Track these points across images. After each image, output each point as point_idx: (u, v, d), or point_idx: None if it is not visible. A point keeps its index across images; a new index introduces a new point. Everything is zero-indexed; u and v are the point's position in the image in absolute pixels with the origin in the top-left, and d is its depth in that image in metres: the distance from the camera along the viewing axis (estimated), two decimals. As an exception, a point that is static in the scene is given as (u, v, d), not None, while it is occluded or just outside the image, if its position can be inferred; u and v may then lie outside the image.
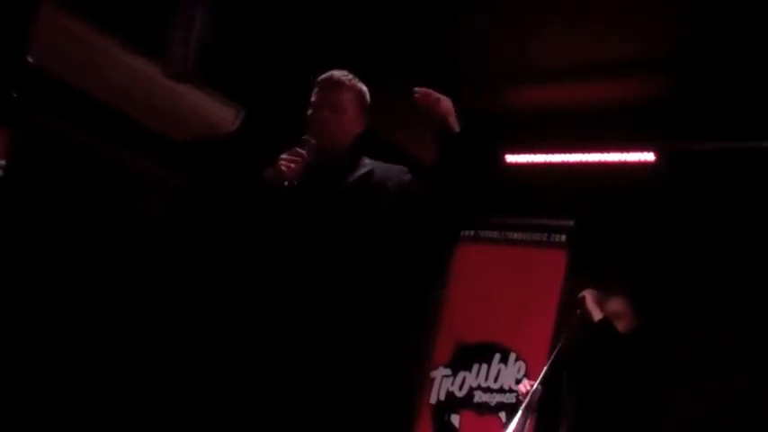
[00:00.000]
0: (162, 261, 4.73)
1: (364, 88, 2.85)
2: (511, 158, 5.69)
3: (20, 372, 4.11)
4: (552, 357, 4.06)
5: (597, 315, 4.20)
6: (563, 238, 5.46)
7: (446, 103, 2.63)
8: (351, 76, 2.81)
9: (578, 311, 4.32)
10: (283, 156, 2.67)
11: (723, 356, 4.59)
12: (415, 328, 5.25)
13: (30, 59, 4.02)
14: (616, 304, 4.28)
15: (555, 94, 5.10)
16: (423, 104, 2.60)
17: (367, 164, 2.79)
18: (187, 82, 4.50)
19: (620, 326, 4.20)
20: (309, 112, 2.79)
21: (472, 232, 5.84)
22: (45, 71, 4.20)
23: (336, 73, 2.81)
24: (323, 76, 2.82)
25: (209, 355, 4.24)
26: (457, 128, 2.61)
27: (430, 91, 2.60)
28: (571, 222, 5.44)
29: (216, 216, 4.69)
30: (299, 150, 2.69)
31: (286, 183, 2.61)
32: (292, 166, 2.63)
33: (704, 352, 4.66)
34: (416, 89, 2.60)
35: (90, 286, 4.51)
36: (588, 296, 4.28)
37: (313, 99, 2.80)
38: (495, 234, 5.76)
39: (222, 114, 4.77)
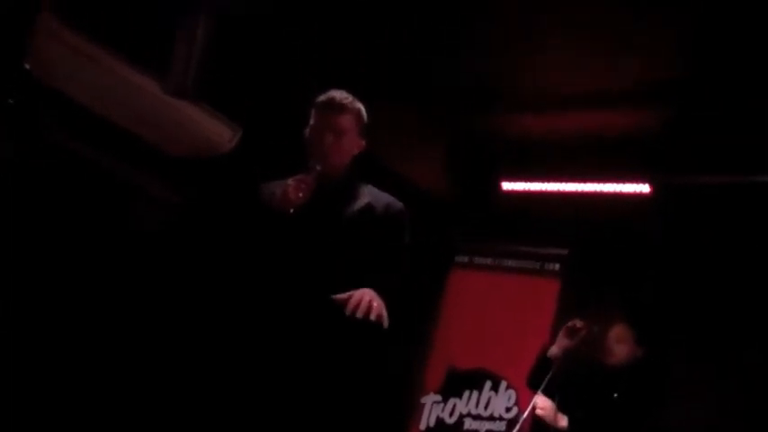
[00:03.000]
0: (151, 276, 4.71)
1: (363, 108, 2.86)
2: (507, 186, 5.69)
3: (14, 378, 4.12)
4: (542, 387, 3.92)
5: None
6: (557, 266, 5.48)
7: (378, 309, 2.50)
8: (351, 98, 2.81)
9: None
10: (291, 182, 2.67)
11: (721, 390, 4.58)
12: (402, 351, 5.19)
13: (27, 67, 3.99)
14: (616, 331, 4.12)
15: (553, 122, 5.12)
16: (351, 313, 2.48)
17: (366, 194, 2.79)
18: (186, 99, 4.48)
19: (621, 350, 4.07)
20: (307, 133, 2.80)
21: (466, 258, 5.87)
22: (43, 82, 4.18)
23: (337, 95, 2.81)
24: (322, 98, 2.82)
25: (194, 373, 4.14)
26: (386, 324, 2.50)
27: (359, 299, 2.48)
28: (565, 251, 5.46)
29: (209, 234, 4.69)
30: (306, 177, 2.69)
31: (291, 210, 2.61)
32: (300, 193, 2.63)
33: (701, 384, 4.64)
34: (343, 302, 2.48)
35: (79, 298, 4.48)
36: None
37: (312, 122, 2.80)
38: (488, 261, 5.77)
39: (220, 132, 4.75)
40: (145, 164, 4.76)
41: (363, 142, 2.86)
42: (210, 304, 4.21)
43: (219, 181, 4.83)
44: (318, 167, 2.71)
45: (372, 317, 2.44)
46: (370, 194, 2.80)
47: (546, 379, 3.88)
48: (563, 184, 5.44)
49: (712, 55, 4.12)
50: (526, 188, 5.62)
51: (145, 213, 4.91)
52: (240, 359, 2.64)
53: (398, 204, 2.82)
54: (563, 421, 3.90)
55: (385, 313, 2.49)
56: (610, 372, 3.99)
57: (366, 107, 2.86)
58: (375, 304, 2.46)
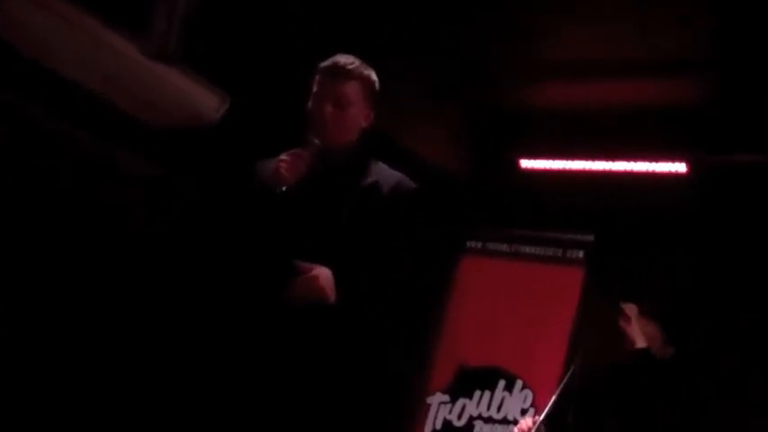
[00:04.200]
0: (130, 258, 4.76)
1: (373, 75, 2.82)
2: (526, 164, 5.70)
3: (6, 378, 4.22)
4: (561, 387, 3.90)
5: (641, 341, 4.00)
6: (580, 254, 5.44)
7: (323, 280, 2.57)
8: (358, 63, 2.78)
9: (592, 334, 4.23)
10: (283, 156, 2.66)
11: (761, 392, 4.59)
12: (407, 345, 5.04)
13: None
14: (647, 328, 4.10)
15: (577, 93, 5.15)
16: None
17: (373, 172, 2.77)
18: (168, 62, 4.48)
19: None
20: (310, 104, 2.77)
21: (480, 244, 5.84)
22: (10, 45, 4.18)
23: (341, 59, 2.78)
24: (325, 63, 2.79)
25: (188, 374, 4.40)
26: (332, 298, 2.56)
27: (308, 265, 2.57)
28: (590, 237, 5.41)
29: (195, 213, 4.77)
30: (302, 152, 2.67)
31: (284, 188, 2.60)
32: (292, 169, 2.62)
33: (739, 384, 4.64)
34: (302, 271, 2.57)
35: (55, 280, 4.53)
36: (632, 315, 4.03)
37: (314, 90, 2.77)
38: (504, 247, 5.75)
39: (206, 101, 4.72)
40: (121, 136, 4.75)
41: (372, 114, 2.82)
42: (197, 297, 4.41)
43: (205, 156, 4.86)
44: (317, 142, 2.69)
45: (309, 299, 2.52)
46: (378, 173, 2.77)
47: (562, 383, 3.88)
48: (589, 162, 5.44)
49: (762, 18, 4.07)
50: (547, 166, 5.63)
51: (120, 192, 4.94)
52: (230, 357, 2.69)
53: (409, 183, 2.79)
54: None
55: (329, 292, 2.53)
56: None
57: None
58: (316, 286, 2.52)
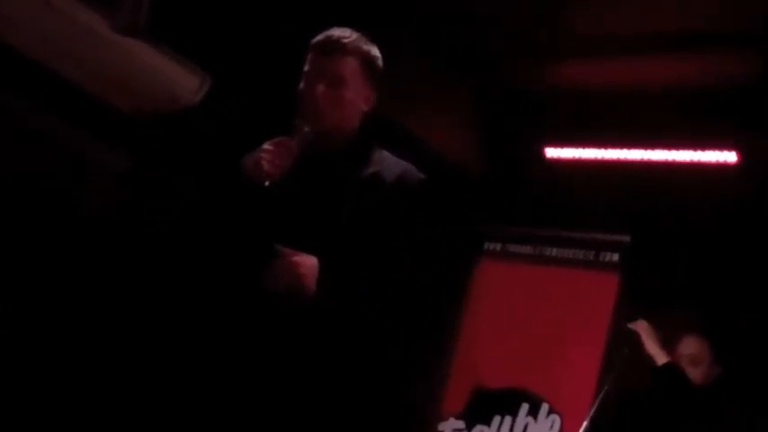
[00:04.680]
0: (97, 260, 4.77)
1: (374, 50, 2.78)
2: (551, 153, 5.65)
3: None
4: (593, 412, 3.97)
5: (661, 357, 4.11)
6: (615, 257, 5.39)
7: (304, 267, 2.58)
8: (355, 36, 2.74)
9: (626, 351, 4.26)
10: (265, 146, 2.62)
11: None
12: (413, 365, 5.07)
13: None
14: (690, 345, 4.22)
15: (610, 72, 5.13)
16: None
17: (375, 161, 2.75)
18: (140, 38, 4.51)
19: (694, 375, 4.13)
20: (301, 85, 2.74)
21: (498, 246, 5.82)
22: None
23: (335, 32, 2.74)
24: (318, 37, 2.75)
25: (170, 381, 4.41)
26: (312, 288, 2.56)
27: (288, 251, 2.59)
28: (626, 238, 5.35)
29: (170, 212, 4.80)
30: (287, 141, 2.63)
31: (267, 182, 2.56)
32: (276, 161, 2.58)
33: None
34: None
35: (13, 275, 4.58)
36: (643, 331, 4.20)
37: (306, 68, 2.74)
38: (527, 249, 5.72)
39: (183, 81, 4.72)
40: (88, 122, 4.75)
41: (373, 96, 2.78)
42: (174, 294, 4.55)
43: (184, 146, 4.86)
44: (306, 128, 2.64)
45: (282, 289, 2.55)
46: (380, 162, 2.75)
47: (594, 407, 3.96)
48: (624, 150, 5.39)
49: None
50: (576, 156, 5.57)
51: (89, 186, 4.92)
52: (214, 363, 2.70)
53: (416, 175, 2.75)
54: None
55: (308, 281, 2.54)
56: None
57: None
58: (296, 272, 2.53)
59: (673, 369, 4.09)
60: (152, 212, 4.95)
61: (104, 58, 4.52)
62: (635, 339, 4.22)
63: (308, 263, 2.54)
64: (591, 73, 5.18)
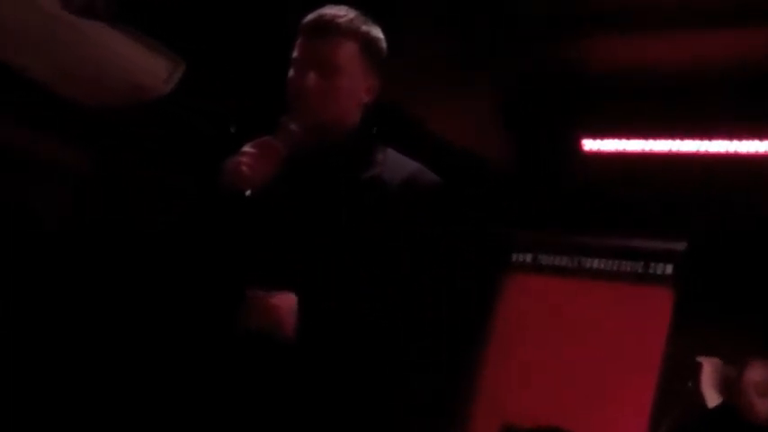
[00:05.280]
0: (54, 271, 4.81)
1: (374, 31, 2.68)
2: (590, 145, 5.61)
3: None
4: None
5: (712, 398, 4.16)
6: (669, 269, 5.35)
7: (283, 311, 2.53)
8: (352, 15, 2.67)
9: (690, 384, 4.31)
10: (246, 149, 2.55)
11: None
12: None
13: None
14: (757, 372, 4.16)
15: (660, 48, 5.01)
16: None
17: (379, 162, 2.69)
18: (99, 19, 4.49)
19: (763, 407, 4.09)
20: (290, 74, 2.66)
21: (529, 257, 5.79)
22: None
23: (328, 11, 2.66)
24: (309, 17, 2.67)
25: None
26: (292, 334, 2.52)
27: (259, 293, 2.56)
28: (682, 246, 5.33)
29: (136, 221, 4.88)
30: (273, 141, 2.54)
31: (247, 192, 2.50)
32: (258, 166, 2.52)
33: None
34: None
35: None
36: (707, 366, 4.26)
37: (295, 54, 2.67)
38: (564, 261, 5.69)
39: (151, 69, 4.73)
40: (39, 118, 4.77)
41: (375, 84, 2.68)
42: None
43: (151, 141, 4.88)
44: (293, 126, 2.55)
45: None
46: (384, 163, 2.67)
47: None
48: (676, 141, 5.34)
49: None
50: (619, 148, 5.53)
51: (45, 191, 4.96)
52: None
53: (427, 177, 2.64)
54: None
55: (287, 326, 2.51)
56: None
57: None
58: (274, 317, 2.50)
59: (733, 410, 4.07)
60: (115, 225, 4.96)
61: (56, 42, 4.52)
62: (699, 372, 4.28)
63: (286, 305, 2.48)
64: (637, 49, 5.06)
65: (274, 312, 2.48)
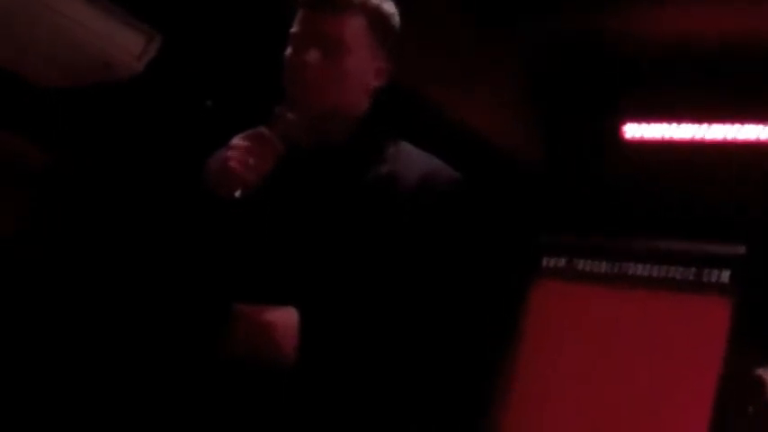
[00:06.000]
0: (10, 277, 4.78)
1: (386, 5, 2.63)
2: (633, 132, 5.55)
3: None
4: None
5: None
6: (725, 276, 5.22)
7: (280, 330, 2.44)
8: None
9: (750, 408, 4.29)
10: (235, 141, 2.50)
11: None
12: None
13: None
14: None
15: (715, 20, 4.90)
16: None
17: (391, 157, 2.63)
18: None
19: None
20: (288, 53, 2.61)
21: (563, 261, 5.73)
22: None
23: None
24: None
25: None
26: (291, 357, 2.44)
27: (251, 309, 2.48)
28: (741, 250, 5.21)
29: (104, 224, 4.79)
30: (266, 133, 2.47)
31: (237, 193, 2.43)
32: (251, 162, 2.45)
33: None
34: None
35: None
36: None
37: (294, 30, 2.62)
38: (602, 266, 5.61)
39: (123, 43, 4.61)
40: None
41: (387, 67, 2.62)
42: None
43: (123, 128, 4.82)
44: (290, 116, 2.48)
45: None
46: (397, 158, 2.62)
47: None
48: (733, 127, 5.24)
49: None
50: (666, 135, 5.46)
51: None
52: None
53: (447, 173, 2.59)
54: None
55: (287, 349, 2.41)
56: None
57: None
58: (270, 339, 2.43)
59: None
60: (77, 230, 4.91)
61: (12, 14, 4.39)
62: (762, 390, 4.38)
63: (285, 322, 2.40)
64: (688, 21, 4.98)
65: (269, 331, 2.41)
